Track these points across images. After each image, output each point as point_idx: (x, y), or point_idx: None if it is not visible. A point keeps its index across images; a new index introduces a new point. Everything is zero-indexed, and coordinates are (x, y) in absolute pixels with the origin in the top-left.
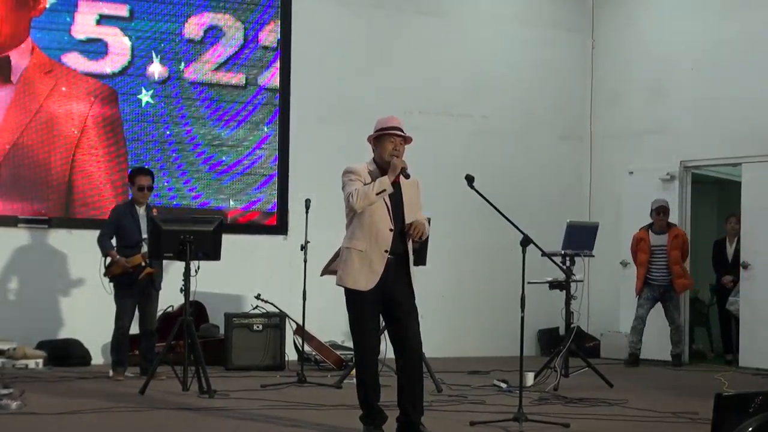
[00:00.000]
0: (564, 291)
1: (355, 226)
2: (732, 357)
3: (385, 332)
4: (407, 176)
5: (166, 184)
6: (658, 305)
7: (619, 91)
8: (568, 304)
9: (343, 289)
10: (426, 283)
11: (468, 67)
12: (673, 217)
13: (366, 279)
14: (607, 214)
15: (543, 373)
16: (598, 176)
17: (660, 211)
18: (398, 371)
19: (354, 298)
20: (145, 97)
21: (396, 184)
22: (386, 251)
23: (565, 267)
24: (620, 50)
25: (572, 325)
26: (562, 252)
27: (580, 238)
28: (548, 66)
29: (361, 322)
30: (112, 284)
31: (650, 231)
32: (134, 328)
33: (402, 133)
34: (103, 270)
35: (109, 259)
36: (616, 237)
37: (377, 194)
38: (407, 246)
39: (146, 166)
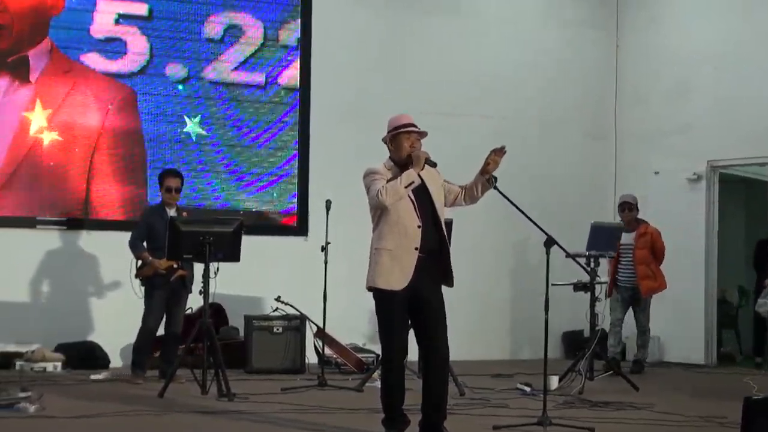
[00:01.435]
0: (588, 293)
1: (383, 226)
2: (762, 360)
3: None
4: (433, 164)
5: (186, 185)
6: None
7: (644, 90)
8: (592, 306)
9: (366, 291)
10: None
11: (488, 67)
12: (699, 219)
13: (398, 278)
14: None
15: (567, 376)
16: (623, 176)
17: (624, 207)
18: (422, 374)
19: (385, 299)
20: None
21: (420, 179)
22: (416, 249)
23: (589, 268)
24: (644, 50)
25: (597, 328)
26: (587, 253)
27: (605, 239)
28: (571, 65)
29: (391, 322)
30: (143, 287)
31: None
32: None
33: (417, 129)
34: (134, 272)
35: (140, 261)
36: None
37: (406, 187)
38: (440, 242)
39: (175, 168)
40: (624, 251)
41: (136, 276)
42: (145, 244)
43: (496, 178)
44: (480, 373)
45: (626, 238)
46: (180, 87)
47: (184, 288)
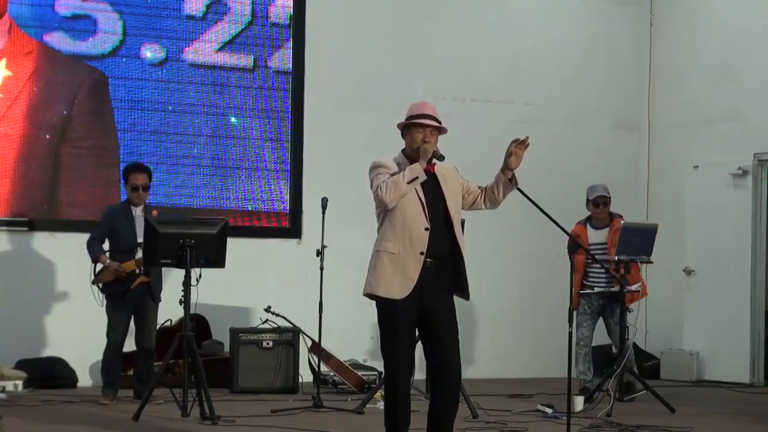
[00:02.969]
0: (618, 303)
1: (386, 227)
2: None
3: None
4: (441, 158)
5: (161, 180)
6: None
7: (683, 73)
8: (622, 318)
9: (368, 301)
10: None
11: (508, 47)
12: (745, 219)
13: (400, 286)
14: (668, 215)
15: (594, 396)
16: (657, 171)
17: (599, 202)
18: (430, 394)
19: (386, 309)
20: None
21: (432, 176)
22: (422, 254)
23: (619, 275)
24: (683, 25)
25: (628, 342)
26: (616, 258)
27: (637, 242)
28: (600, 45)
29: (394, 336)
30: (103, 295)
31: (588, 225)
32: (129, 345)
33: (433, 122)
34: (92, 277)
35: (99, 266)
36: (679, 240)
37: (408, 183)
38: (453, 248)
39: (141, 162)
40: (596, 252)
41: (94, 282)
42: (107, 247)
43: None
44: (495, 392)
45: (598, 236)
46: (157, 70)
47: (149, 296)
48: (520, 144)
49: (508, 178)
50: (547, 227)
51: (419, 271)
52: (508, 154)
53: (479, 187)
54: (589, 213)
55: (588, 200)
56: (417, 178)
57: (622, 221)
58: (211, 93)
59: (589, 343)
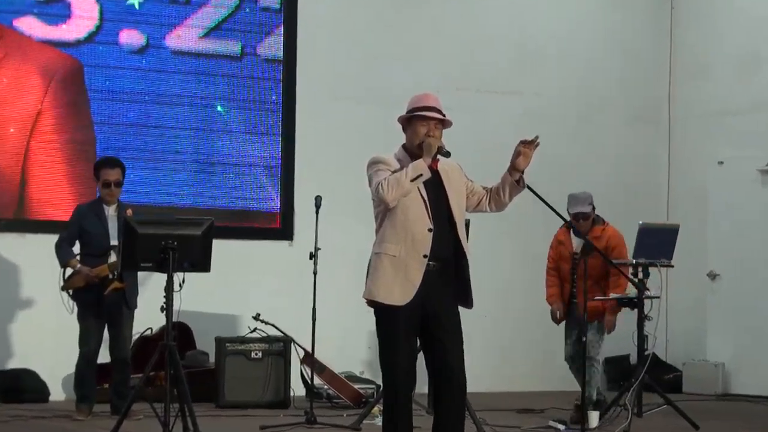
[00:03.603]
0: (636, 310)
1: (387, 227)
2: None
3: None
4: (447, 154)
5: (142, 177)
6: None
7: (706, 61)
8: (641, 326)
9: (365, 308)
10: None
11: (517, 34)
12: None
13: (401, 291)
14: (691, 214)
15: (611, 411)
16: (678, 167)
17: (578, 217)
18: (434, 409)
19: (386, 316)
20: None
21: (434, 173)
22: (425, 256)
23: (637, 280)
24: (706, 11)
25: (647, 353)
26: (634, 261)
27: (656, 243)
28: (617, 32)
29: (394, 345)
30: (73, 302)
31: (572, 231)
32: (105, 356)
33: (437, 115)
34: (61, 283)
35: (69, 271)
36: (702, 242)
37: (412, 181)
38: (457, 250)
39: (114, 156)
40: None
41: (64, 288)
42: (78, 249)
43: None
44: (503, 407)
45: (579, 244)
46: (136, 58)
47: (124, 303)
48: (529, 143)
49: (515, 180)
50: (557, 228)
51: (422, 275)
52: (516, 154)
53: (484, 188)
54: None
55: (568, 211)
56: (421, 175)
57: (608, 225)
58: (196, 83)
59: (574, 360)
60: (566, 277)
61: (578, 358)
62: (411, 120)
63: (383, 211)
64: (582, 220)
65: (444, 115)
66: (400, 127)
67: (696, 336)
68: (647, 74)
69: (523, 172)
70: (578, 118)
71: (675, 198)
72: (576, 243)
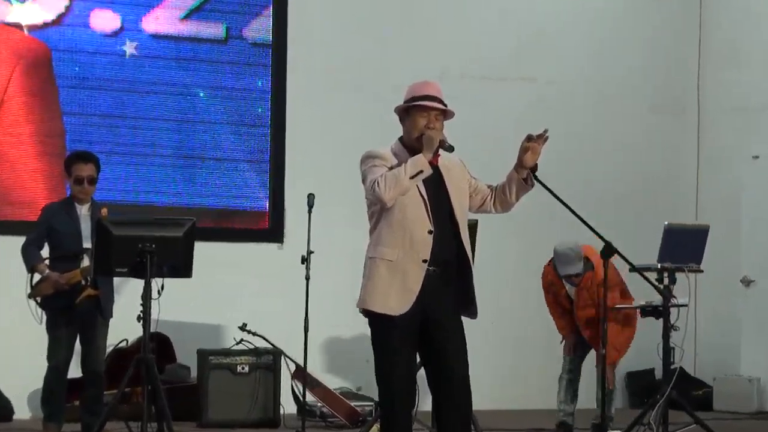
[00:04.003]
0: (661, 319)
1: (382, 229)
2: None
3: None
4: (449, 148)
5: (117, 173)
6: None
7: (739, 47)
8: (666, 337)
9: (362, 317)
10: None
11: (528, 16)
12: None
13: (398, 299)
14: (722, 214)
15: (633, 430)
16: (708, 162)
17: (567, 279)
18: (437, 425)
19: (381, 326)
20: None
21: (435, 169)
22: (425, 261)
23: (662, 286)
24: None
25: (673, 366)
26: (659, 266)
27: (684, 246)
28: (640, 13)
29: (391, 358)
30: (42, 310)
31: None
32: (76, 370)
33: (438, 105)
34: (29, 290)
35: (37, 276)
36: (735, 244)
37: (411, 178)
38: (460, 254)
39: (87, 150)
40: (568, 307)
41: (31, 296)
42: (47, 253)
43: (535, 166)
44: (513, 426)
45: (572, 290)
46: (110, 42)
47: (98, 312)
48: (537, 138)
49: (522, 178)
50: (574, 229)
51: (421, 281)
52: (523, 150)
53: (489, 187)
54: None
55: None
56: (421, 171)
57: (596, 267)
58: (176, 69)
59: (576, 370)
60: (565, 316)
61: (575, 373)
62: (409, 110)
63: (378, 212)
64: (574, 278)
65: (446, 105)
66: (399, 117)
67: (728, 348)
68: (674, 60)
69: (536, 168)
70: (596, 109)
71: (705, 196)
72: (570, 288)
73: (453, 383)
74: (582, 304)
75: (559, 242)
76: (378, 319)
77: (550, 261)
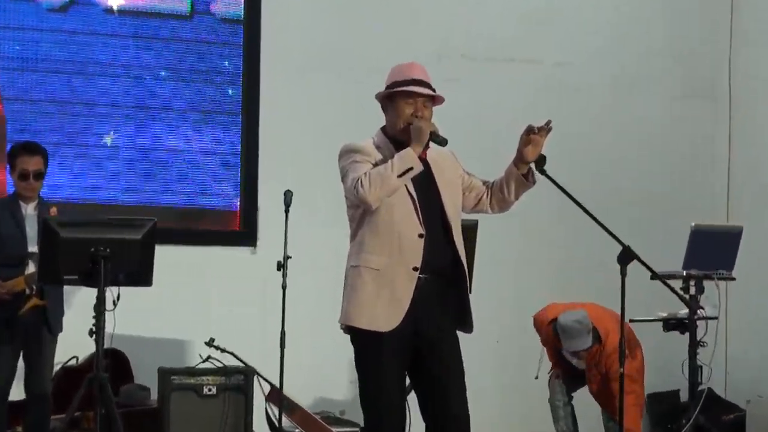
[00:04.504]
0: (687, 334)
1: (366, 234)
2: None
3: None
4: (443, 142)
5: (67, 167)
6: None
7: None
8: (693, 354)
9: (344, 332)
10: None
11: None
12: None
13: (387, 313)
14: (757, 214)
15: None
16: (742, 155)
17: (575, 355)
18: None
19: (368, 345)
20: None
21: (424, 163)
22: (415, 269)
23: (688, 296)
24: None
25: (701, 387)
26: (685, 273)
27: (713, 250)
28: None
29: (379, 380)
30: None
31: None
32: (18, 392)
33: (426, 90)
34: None
35: None
36: None
37: (400, 176)
38: (455, 260)
39: (33, 141)
40: (573, 376)
41: None
42: None
43: (544, 158)
44: None
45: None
46: (58, 18)
47: (44, 327)
48: (540, 130)
49: (522, 174)
50: (586, 230)
51: (412, 292)
52: (524, 143)
53: (485, 183)
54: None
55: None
56: (411, 169)
57: (606, 340)
58: (134, 49)
59: (568, 396)
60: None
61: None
62: (393, 97)
63: (360, 214)
64: (583, 352)
65: (434, 90)
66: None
67: (764, 367)
68: (701, 39)
69: (544, 161)
70: (612, 93)
71: (738, 193)
72: (577, 362)
73: (452, 424)
74: (593, 379)
75: (563, 315)
76: (364, 337)
77: (548, 322)
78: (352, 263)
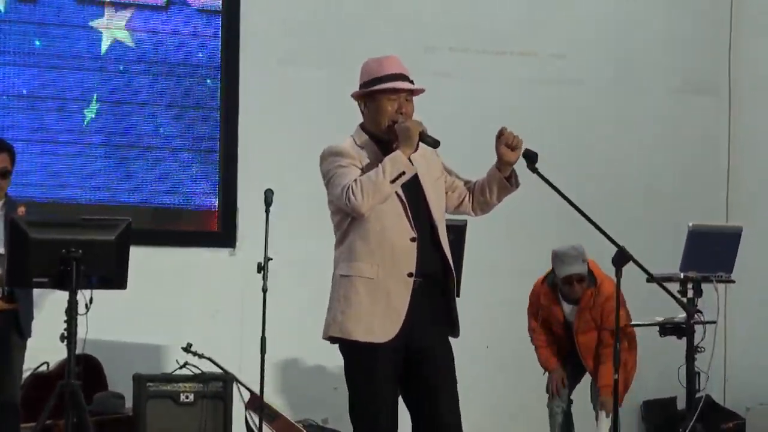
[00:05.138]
0: (685, 339)
1: (355, 242)
2: None
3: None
4: (434, 143)
5: (36, 165)
6: None
7: None
8: (691, 360)
9: (330, 342)
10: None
11: None
12: None
13: (383, 324)
14: (758, 214)
15: None
16: (742, 152)
17: (571, 280)
18: None
19: (364, 357)
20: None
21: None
22: (410, 274)
23: (686, 300)
24: None
25: (699, 395)
26: (682, 275)
27: (712, 252)
28: None
29: (373, 395)
30: None
31: (560, 293)
32: None
33: (409, 84)
34: None
35: None
36: None
37: (392, 182)
38: (444, 263)
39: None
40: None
41: None
42: None
43: (536, 155)
44: None
45: (570, 311)
46: (26, 8)
47: (15, 332)
48: (509, 138)
49: (505, 176)
50: (581, 231)
51: (408, 299)
52: (502, 149)
53: (466, 184)
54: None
55: (555, 273)
56: (403, 173)
57: (602, 283)
58: (107, 41)
59: (567, 401)
60: (559, 343)
61: (567, 401)
62: (373, 96)
63: (349, 221)
64: (576, 283)
65: (413, 82)
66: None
67: (764, 373)
68: (701, 30)
69: (536, 158)
70: (609, 87)
71: (738, 191)
72: (569, 310)
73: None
74: (584, 327)
75: (558, 246)
76: (358, 349)
77: (542, 278)
78: (343, 273)
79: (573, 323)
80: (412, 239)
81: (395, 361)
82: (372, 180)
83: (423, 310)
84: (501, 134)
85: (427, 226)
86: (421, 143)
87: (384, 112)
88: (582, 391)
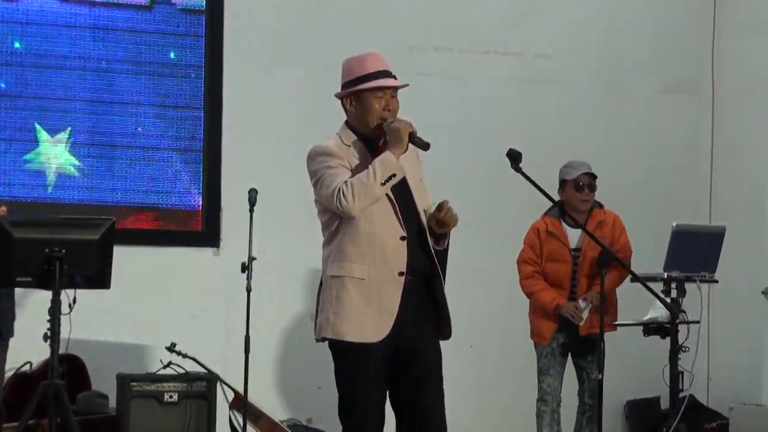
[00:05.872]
0: (668, 339)
1: (344, 242)
2: None
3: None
4: (424, 146)
5: (19, 164)
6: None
7: (762, 14)
8: (674, 360)
9: (312, 335)
10: None
11: None
12: None
13: (375, 324)
14: (741, 214)
15: None
16: (726, 151)
17: (583, 183)
18: None
19: (355, 357)
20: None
21: None
22: (401, 273)
23: (669, 300)
24: None
25: (682, 394)
26: (666, 275)
27: (695, 252)
28: None
29: (364, 395)
30: None
31: (563, 221)
32: None
33: (395, 81)
34: None
35: None
36: (756, 250)
37: (383, 184)
38: (431, 262)
39: None
40: (578, 260)
41: None
42: None
43: (520, 154)
44: None
45: (573, 237)
46: (8, 7)
47: None
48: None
49: (440, 233)
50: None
51: (399, 299)
52: (434, 222)
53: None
54: (556, 201)
55: (565, 182)
56: (394, 175)
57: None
58: (91, 40)
59: (558, 399)
60: (560, 283)
61: (557, 397)
62: (359, 95)
63: (338, 222)
64: (588, 189)
65: (396, 77)
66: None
67: (747, 373)
68: (685, 31)
69: (520, 158)
70: (594, 88)
71: (721, 191)
72: (573, 235)
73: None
74: (593, 245)
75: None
76: (349, 349)
77: (542, 216)
78: (333, 273)
79: (581, 247)
80: (402, 238)
81: (385, 360)
82: (363, 182)
83: (413, 309)
84: (441, 207)
85: (414, 225)
86: (411, 146)
87: (372, 111)
88: (569, 393)
